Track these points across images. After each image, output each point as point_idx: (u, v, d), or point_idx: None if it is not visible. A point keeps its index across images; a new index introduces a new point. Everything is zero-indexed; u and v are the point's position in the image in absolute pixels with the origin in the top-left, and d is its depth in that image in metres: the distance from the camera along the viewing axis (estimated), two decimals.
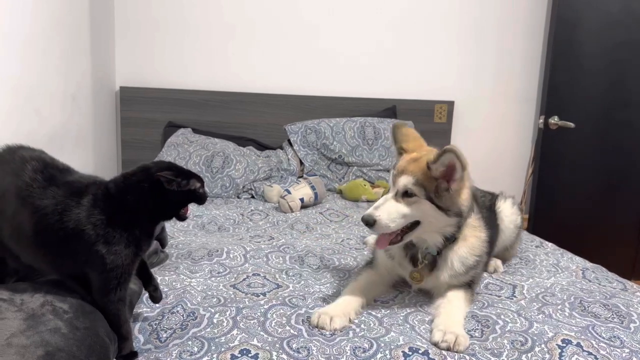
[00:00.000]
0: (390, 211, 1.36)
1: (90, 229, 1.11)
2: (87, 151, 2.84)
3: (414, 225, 1.40)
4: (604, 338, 1.30)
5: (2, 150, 1.25)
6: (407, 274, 1.52)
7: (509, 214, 1.81)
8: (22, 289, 1.17)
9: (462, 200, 1.39)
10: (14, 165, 1.18)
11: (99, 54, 2.90)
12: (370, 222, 1.36)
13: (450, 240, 1.45)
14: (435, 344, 1.24)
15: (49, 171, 1.18)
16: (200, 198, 1.23)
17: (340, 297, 1.43)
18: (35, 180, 1.15)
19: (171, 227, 2.15)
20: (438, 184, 1.36)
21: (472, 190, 1.45)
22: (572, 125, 2.85)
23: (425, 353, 1.19)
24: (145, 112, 3.15)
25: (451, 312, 1.37)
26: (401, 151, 1.49)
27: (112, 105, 3.15)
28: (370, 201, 2.58)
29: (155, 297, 1.31)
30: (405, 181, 1.36)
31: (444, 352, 1.20)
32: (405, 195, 1.37)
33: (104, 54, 3.00)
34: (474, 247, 1.48)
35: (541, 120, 2.96)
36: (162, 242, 1.77)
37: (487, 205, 1.76)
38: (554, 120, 2.90)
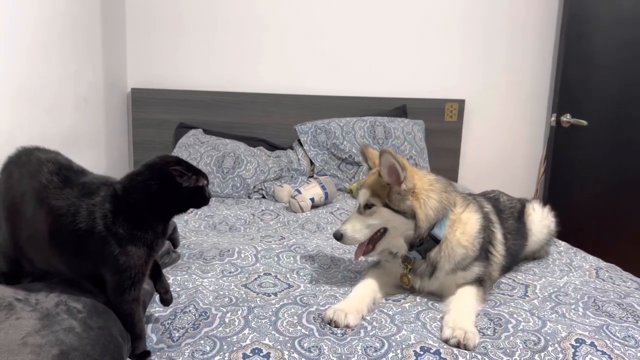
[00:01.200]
0: (354, 224, 1.50)
1: (101, 230, 1.12)
2: (100, 152, 2.87)
3: (383, 232, 1.50)
4: (618, 338, 1.29)
5: (19, 151, 1.27)
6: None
7: (541, 218, 1.86)
8: (37, 289, 1.19)
9: (427, 197, 1.46)
10: (30, 167, 1.19)
11: (110, 55, 2.92)
12: (338, 237, 1.51)
13: (430, 243, 1.48)
14: (446, 341, 1.24)
15: (64, 173, 1.19)
16: (206, 197, 1.22)
17: (352, 293, 1.45)
18: (52, 182, 1.16)
19: (183, 227, 2.16)
20: (390, 189, 1.45)
21: (438, 193, 1.49)
22: (584, 123, 2.82)
23: (437, 352, 1.19)
24: (156, 113, 3.18)
25: (461, 309, 1.37)
26: (372, 167, 1.59)
27: (123, 107, 3.18)
28: None
29: (166, 299, 1.31)
30: (363, 195, 1.50)
31: (455, 351, 1.20)
32: (366, 207, 1.49)
33: (116, 56, 3.03)
34: (459, 242, 1.49)
35: (553, 118, 2.94)
36: (174, 242, 1.79)
37: (516, 216, 1.78)
38: (566, 118, 2.87)
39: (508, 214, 1.74)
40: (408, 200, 1.44)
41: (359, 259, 1.59)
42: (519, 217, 1.80)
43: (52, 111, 2.33)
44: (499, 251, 1.58)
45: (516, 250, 1.73)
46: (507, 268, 1.67)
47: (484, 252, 1.53)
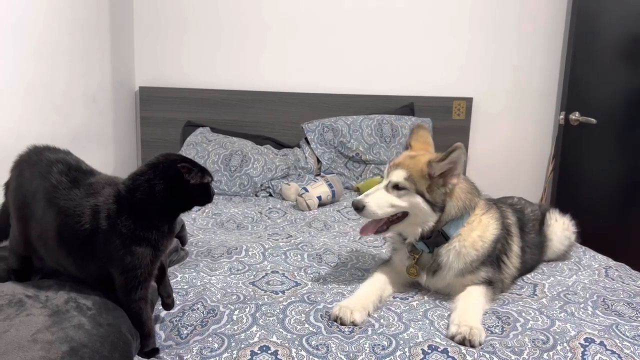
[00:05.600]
0: (379, 199, 1.46)
1: (105, 230, 1.12)
2: (108, 151, 2.88)
3: (402, 217, 1.48)
4: (627, 337, 1.28)
5: (29, 150, 1.28)
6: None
7: (562, 229, 1.85)
8: (47, 286, 1.20)
9: (456, 197, 1.46)
10: (40, 167, 1.20)
11: (118, 54, 2.94)
12: (359, 207, 1.46)
13: (439, 238, 1.48)
14: (452, 338, 1.24)
15: (73, 173, 1.20)
16: (210, 194, 1.22)
17: (359, 290, 1.45)
18: (61, 183, 1.17)
19: (190, 225, 2.17)
20: (433, 181, 1.44)
21: (468, 187, 1.52)
22: (594, 121, 2.79)
23: (445, 351, 1.19)
24: (164, 111, 3.19)
25: (467, 306, 1.37)
26: (408, 147, 1.60)
27: (131, 105, 3.20)
28: None
29: (167, 304, 1.30)
30: (398, 174, 1.46)
31: (462, 350, 1.20)
32: (395, 187, 1.46)
33: (123, 55, 3.04)
34: (473, 244, 1.48)
35: (562, 116, 2.92)
36: (182, 240, 1.79)
37: (537, 229, 1.76)
38: (575, 116, 2.85)
39: (530, 227, 1.72)
40: (445, 195, 1.45)
41: (367, 235, 1.55)
42: (540, 229, 1.78)
43: (61, 110, 2.34)
44: (513, 263, 1.58)
45: (532, 265, 1.72)
46: (518, 277, 1.66)
47: (496, 261, 1.52)
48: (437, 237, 1.48)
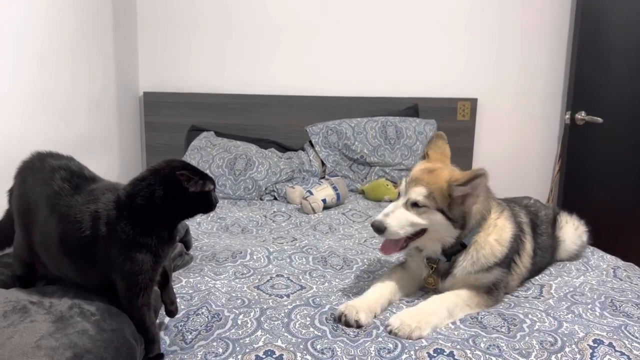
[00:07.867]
0: (400, 219, 1.41)
1: (105, 236, 1.12)
2: (113, 156, 2.89)
3: (420, 232, 1.45)
4: (637, 338, 1.26)
5: (33, 156, 1.28)
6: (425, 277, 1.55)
7: (574, 229, 1.85)
8: (51, 292, 1.20)
9: (474, 213, 1.44)
10: (43, 174, 1.20)
11: (122, 59, 2.95)
12: (381, 229, 1.41)
13: (457, 246, 1.47)
14: (385, 327, 1.29)
15: (76, 180, 1.20)
16: (212, 202, 1.20)
17: (369, 291, 1.45)
18: (63, 189, 1.17)
19: (195, 229, 2.17)
20: (453, 199, 1.40)
21: (483, 200, 1.49)
22: (600, 120, 2.78)
23: (451, 354, 1.18)
24: (168, 116, 3.20)
25: (426, 306, 1.37)
26: (425, 155, 1.56)
27: (136, 110, 3.21)
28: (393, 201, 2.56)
29: (171, 311, 1.30)
30: (418, 192, 1.41)
31: (469, 354, 1.18)
32: (414, 204, 1.41)
33: (127, 60, 3.06)
34: (491, 249, 1.47)
35: (567, 116, 2.90)
36: (187, 245, 1.79)
37: (549, 232, 1.75)
38: (581, 115, 2.83)
39: (543, 230, 1.71)
40: (471, 212, 1.43)
41: (390, 254, 1.52)
42: (552, 232, 1.77)
43: (65, 115, 2.35)
44: (524, 263, 1.56)
45: (540, 267, 1.71)
46: (527, 279, 1.65)
47: (508, 260, 1.50)
48: (455, 246, 1.47)
